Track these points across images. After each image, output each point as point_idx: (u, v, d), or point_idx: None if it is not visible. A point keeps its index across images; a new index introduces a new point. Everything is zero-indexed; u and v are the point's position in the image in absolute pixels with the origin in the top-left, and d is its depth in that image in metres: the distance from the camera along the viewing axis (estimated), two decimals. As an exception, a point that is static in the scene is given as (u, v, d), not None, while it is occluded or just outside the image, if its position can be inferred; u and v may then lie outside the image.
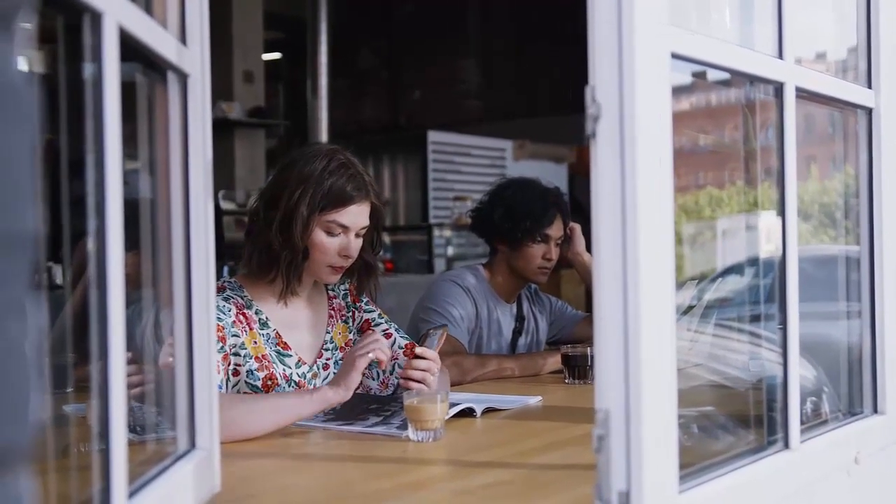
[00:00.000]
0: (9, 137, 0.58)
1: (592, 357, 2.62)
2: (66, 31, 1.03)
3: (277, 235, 2.17)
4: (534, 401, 2.34)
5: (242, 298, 2.22)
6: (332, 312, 2.39)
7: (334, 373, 2.30)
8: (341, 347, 2.37)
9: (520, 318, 3.13)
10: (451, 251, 7.42)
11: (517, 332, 3.12)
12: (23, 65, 0.61)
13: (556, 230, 3.00)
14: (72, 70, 1.04)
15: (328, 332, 2.36)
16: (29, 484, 0.61)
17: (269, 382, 2.18)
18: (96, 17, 0.99)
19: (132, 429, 1.24)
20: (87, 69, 1.01)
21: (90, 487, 1.05)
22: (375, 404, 2.13)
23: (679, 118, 1.26)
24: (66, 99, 1.05)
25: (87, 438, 1.46)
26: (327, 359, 2.33)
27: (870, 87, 1.81)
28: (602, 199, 1.18)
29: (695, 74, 1.45)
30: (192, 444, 1.37)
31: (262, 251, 2.21)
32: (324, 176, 2.17)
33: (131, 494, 1.08)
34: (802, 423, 1.55)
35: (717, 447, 1.56)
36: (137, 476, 1.17)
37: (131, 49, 1.10)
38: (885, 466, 1.81)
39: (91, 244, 1.01)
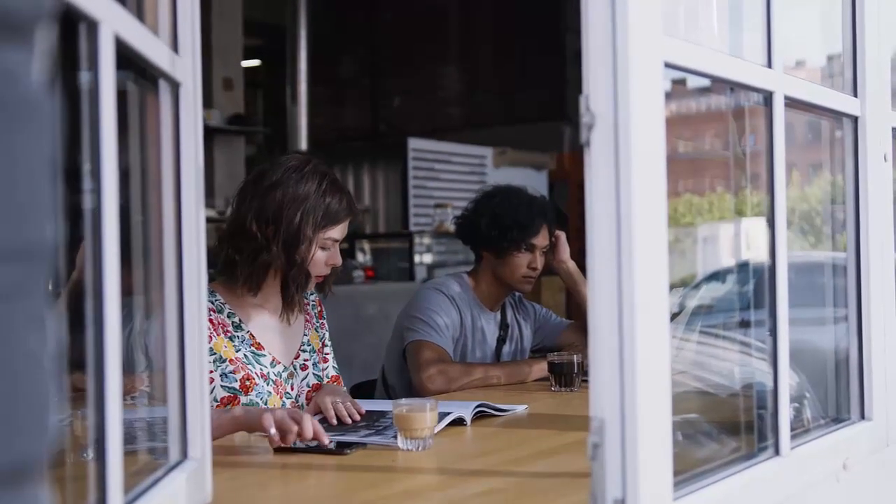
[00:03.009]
0: (29, 148, 0.57)
1: (579, 364, 2.64)
2: (60, 39, 1.03)
3: (281, 256, 2.22)
4: (521, 409, 2.34)
5: (213, 303, 2.24)
6: (308, 317, 2.45)
7: (313, 373, 2.39)
8: (318, 350, 2.43)
9: (504, 326, 3.13)
10: (431, 258, 7.41)
11: (501, 340, 3.12)
12: (42, 75, 0.61)
13: (541, 239, 3.00)
14: (67, 78, 1.03)
15: (305, 335, 2.42)
16: (49, 495, 0.60)
17: (248, 383, 2.22)
18: (93, 26, 0.99)
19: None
20: (83, 77, 1.00)
21: (82, 498, 1.04)
22: (364, 420, 2.12)
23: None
24: (60, 107, 1.04)
25: (74, 448, 1.45)
26: (305, 360, 2.39)
27: (855, 95, 1.82)
28: (596, 207, 1.18)
29: (675, 81, 1.46)
30: (184, 455, 1.36)
31: (261, 270, 2.25)
32: (320, 196, 2.24)
33: (126, 506, 1.08)
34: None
35: (709, 454, 1.57)
36: (130, 487, 1.16)
37: (124, 57, 1.10)
38: (873, 472, 1.82)
39: (87, 252, 1.00)
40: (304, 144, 8.46)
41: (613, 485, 1.17)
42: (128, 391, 1.40)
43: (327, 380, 2.44)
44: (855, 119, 1.83)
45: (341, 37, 9.99)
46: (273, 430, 1.82)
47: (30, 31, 0.59)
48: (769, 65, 1.52)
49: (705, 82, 1.57)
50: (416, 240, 7.35)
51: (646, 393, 1.17)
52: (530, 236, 2.97)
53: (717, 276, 2.62)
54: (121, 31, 1.05)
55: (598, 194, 1.18)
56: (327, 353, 2.50)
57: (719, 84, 1.60)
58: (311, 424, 1.84)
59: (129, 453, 1.37)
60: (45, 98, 0.61)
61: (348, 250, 7.22)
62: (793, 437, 1.56)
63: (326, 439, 1.86)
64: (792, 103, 1.59)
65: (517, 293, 3.17)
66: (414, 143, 8.01)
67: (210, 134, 7.34)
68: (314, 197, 2.23)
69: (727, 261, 2.48)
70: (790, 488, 1.55)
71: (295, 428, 1.82)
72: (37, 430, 0.57)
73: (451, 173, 8.14)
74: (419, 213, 7.90)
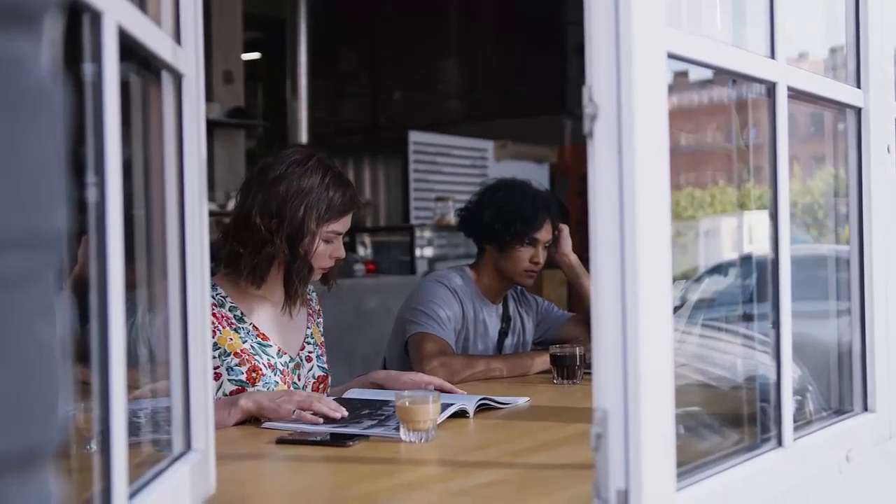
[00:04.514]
0: (39, 137, 0.58)
1: (581, 357, 2.64)
2: (64, 31, 1.02)
3: (285, 248, 2.24)
4: (523, 401, 2.34)
5: (214, 297, 2.25)
6: (310, 311, 2.47)
7: (318, 366, 2.42)
8: (320, 344, 2.46)
9: (506, 319, 3.13)
10: (432, 252, 7.41)
11: (503, 333, 3.12)
12: (51, 63, 0.61)
13: (545, 234, 3.00)
14: (70, 69, 1.03)
15: (308, 328, 2.44)
16: (58, 483, 0.61)
17: (254, 374, 2.24)
18: (96, 17, 0.98)
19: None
20: (87, 68, 1.00)
21: (87, 490, 1.04)
22: (367, 409, 2.13)
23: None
24: (66, 97, 1.04)
25: (77, 441, 1.45)
26: (309, 352, 2.42)
27: (859, 86, 1.82)
28: (599, 198, 1.18)
29: (677, 73, 1.46)
30: (188, 446, 1.36)
31: (265, 262, 2.26)
32: (324, 190, 2.25)
33: (130, 496, 1.08)
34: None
35: (712, 446, 1.57)
36: (134, 478, 1.16)
37: (127, 48, 1.10)
38: (876, 464, 1.82)
39: (91, 245, 1.00)
40: (304, 138, 8.46)
41: (617, 475, 1.17)
42: (130, 388, 1.41)
43: (313, 380, 2.46)
44: (858, 110, 1.83)
45: (341, 30, 9.99)
46: (295, 413, 2.02)
47: (38, 20, 0.60)
48: (772, 55, 1.52)
49: (707, 74, 1.57)
50: (417, 233, 7.35)
51: (649, 383, 1.17)
52: (533, 230, 2.97)
53: (719, 269, 2.62)
54: (124, 22, 1.05)
55: (600, 185, 1.18)
56: (320, 354, 2.52)
57: (721, 76, 1.60)
58: (326, 402, 2.06)
59: (132, 445, 1.37)
60: (54, 87, 0.61)
61: (349, 244, 7.23)
62: (795, 428, 1.57)
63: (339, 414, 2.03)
64: (795, 94, 1.59)
65: (519, 286, 3.18)
66: (415, 137, 8.01)
67: (210, 127, 7.33)
68: (318, 190, 2.25)
69: (729, 254, 2.48)
70: (793, 480, 1.55)
71: (315, 401, 2.04)
72: (46, 417, 0.58)
73: (452, 167, 8.14)
74: (420, 207, 7.90)
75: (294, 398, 2.06)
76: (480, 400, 2.20)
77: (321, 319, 2.53)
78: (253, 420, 2.12)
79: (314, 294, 2.52)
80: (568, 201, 7.11)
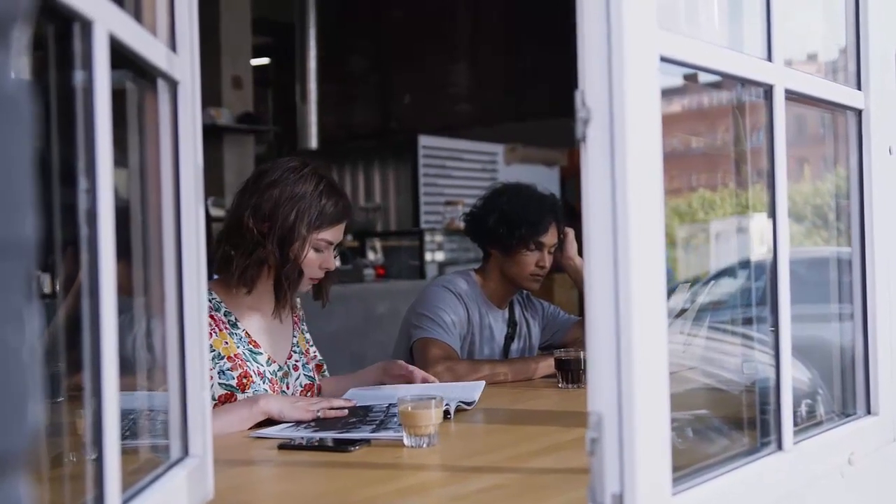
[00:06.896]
0: (7, 144, 0.58)
1: (585, 361, 2.63)
2: (55, 39, 1.03)
3: (276, 252, 2.26)
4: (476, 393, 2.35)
5: (210, 301, 2.26)
6: (296, 320, 2.51)
7: (304, 375, 2.45)
8: (304, 353, 2.48)
9: (512, 324, 3.13)
10: (442, 256, 7.41)
11: (509, 338, 3.12)
12: (19, 72, 0.61)
13: (550, 238, 2.99)
14: (61, 77, 1.03)
15: (294, 336, 2.47)
16: (27, 490, 0.61)
17: (245, 380, 2.26)
18: (87, 25, 0.99)
19: (124, 436, 1.23)
20: (78, 76, 1.01)
21: (83, 496, 1.04)
22: (354, 418, 2.13)
23: (670, 120, 1.26)
24: (55, 106, 1.05)
25: (77, 447, 1.45)
26: (296, 360, 2.44)
27: (859, 88, 1.81)
28: (593, 202, 1.18)
29: (686, 77, 1.46)
30: (185, 452, 1.36)
31: (255, 265, 2.28)
32: (316, 197, 2.29)
33: (126, 501, 1.08)
34: (797, 425, 1.55)
35: (711, 449, 1.56)
36: (130, 484, 1.16)
37: (121, 56, 1.10)
38: (879, 467, 1.81)
39: (83, 252, 1.00)
40: (314, 143, 8.47)
41: (612, 479, 1.17)
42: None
43: (318, 380, 2.49)
44: (859, 112, 1.82)
45: (350, 34, 10.00)
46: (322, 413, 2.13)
47: (6, 30, 0.60)
48: (769, 58, 1.52)
49: (716, 76, 1.56)
50: (427, 237, 7.35)
51: (643, 387, 1.17)
52: (539, 234, 2.96)
53: (728, 271, 2.61)
54: (115, 31, 1.05)
55: (594, 189, 1.18)
56: (315, 351, 2.56)
57: (727, 79, 1.59)
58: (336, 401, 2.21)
59: (130, 450, 1.37)
60: (24, 96, 0.61)
61: (359, 249, 7.23)
62: (798, 431, 1.56)
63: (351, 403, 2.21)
64: (794, 97, 1.58)
65: (525, 290, 3.17)
66: (424, 141, 8.01)
67: (219, 132, 7.35)
68: (310, 197, 2.28)
69: (739, 257, 2.47)
70: (793, 483, 1.54)
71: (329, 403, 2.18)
72: (15, 423, 0.58)
73: (461, 170, 8.14)
74: (430, 211, 7.90)
75: (312, 401, 2.17)
76: (457, 406, 2.22)
77: (305, 326, 2.55)
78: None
79: (298, 299, 2.55)
80: (578, 205, 7.09)
